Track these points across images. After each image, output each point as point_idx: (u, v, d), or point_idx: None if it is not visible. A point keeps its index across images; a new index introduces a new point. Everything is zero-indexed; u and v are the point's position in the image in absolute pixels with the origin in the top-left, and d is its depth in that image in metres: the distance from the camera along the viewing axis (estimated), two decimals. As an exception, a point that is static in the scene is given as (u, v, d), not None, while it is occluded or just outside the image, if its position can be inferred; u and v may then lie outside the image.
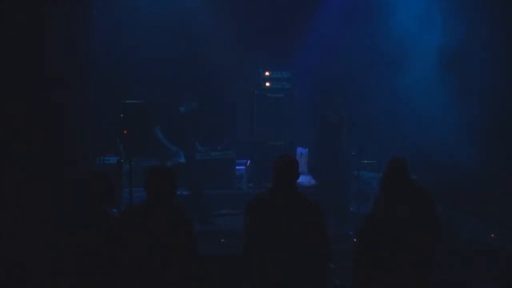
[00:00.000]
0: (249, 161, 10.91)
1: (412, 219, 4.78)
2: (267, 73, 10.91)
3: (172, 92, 10.06)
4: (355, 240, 7.14)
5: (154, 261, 4.56)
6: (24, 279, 6.07)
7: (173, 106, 9.37)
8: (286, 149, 10.00)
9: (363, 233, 4.83)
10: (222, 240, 8.18)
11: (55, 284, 4.69)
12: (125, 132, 8.22)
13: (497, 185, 9.14)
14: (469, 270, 7.46)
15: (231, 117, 11.50)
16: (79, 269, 4.63)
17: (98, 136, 8.79)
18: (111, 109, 8.82)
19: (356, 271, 4.79)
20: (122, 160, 9.00)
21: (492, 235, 8.35)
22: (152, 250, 4.56)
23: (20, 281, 6.11)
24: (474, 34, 9.35)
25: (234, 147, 10.72)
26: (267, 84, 10.92)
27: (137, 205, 4.96)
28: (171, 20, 10.56)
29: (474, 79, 9.56)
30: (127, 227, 4.66)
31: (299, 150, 11.30)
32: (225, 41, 10.76)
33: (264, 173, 9.69)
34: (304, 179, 10.08)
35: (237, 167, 10.72)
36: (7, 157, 7.02)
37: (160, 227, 4.61)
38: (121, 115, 8.23)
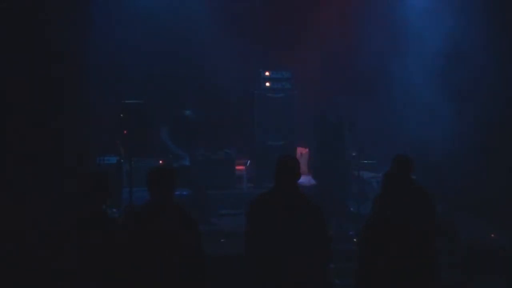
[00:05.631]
0: (249, 161, 10.90)
1: (413, 219, 4.78)
2: (267, 73, 10.90)
3: (172, 92, 10.05)
4: (355, 240, 7.16)
5: (159, 261, 4.56)
6: (24, 280, 6.07)
7: (179, 109, 9.34)
8: (286, 149, 9.99)
9: (363, 239, 4.82)
10: (222, 240, 8.18)
11: (55, 285, 4.68)
12: (125, 132, 8.22)
13: (497, 185, 9.14)
14: (469, 270, 7.46)
15: (231, 117, 11.48)
16: (79, 269, 4.62)
17: (98, 136, 8.79)
18: (111, 109, 8.82)
19: (359, 276, 4.78)
20: (122, 160, 9.00)
21: (492, 235, 8.35)
22: (158, 250, 4.56)
23: (20, 282, 6.11)
24: (475, 35, 9.35)
25: (234, 147, 10.71)
26: (267, 84, 10.92)
27: (141, 205, 4.95)
28: (171, 20, 10.54)
29: (475, 79, 9.56)
30: (132, 227, 4.66)
31: (299, 150, 11.29)
32: (225, 41, 10.74)
33: (264, 173, 9.71)
34: (304, 180, 10.06)
35: (237, 167, 10.72)
36: (7, 157, 7.03)
37: (166, 227, 4.62)
38: (121, 115, 8.23)
